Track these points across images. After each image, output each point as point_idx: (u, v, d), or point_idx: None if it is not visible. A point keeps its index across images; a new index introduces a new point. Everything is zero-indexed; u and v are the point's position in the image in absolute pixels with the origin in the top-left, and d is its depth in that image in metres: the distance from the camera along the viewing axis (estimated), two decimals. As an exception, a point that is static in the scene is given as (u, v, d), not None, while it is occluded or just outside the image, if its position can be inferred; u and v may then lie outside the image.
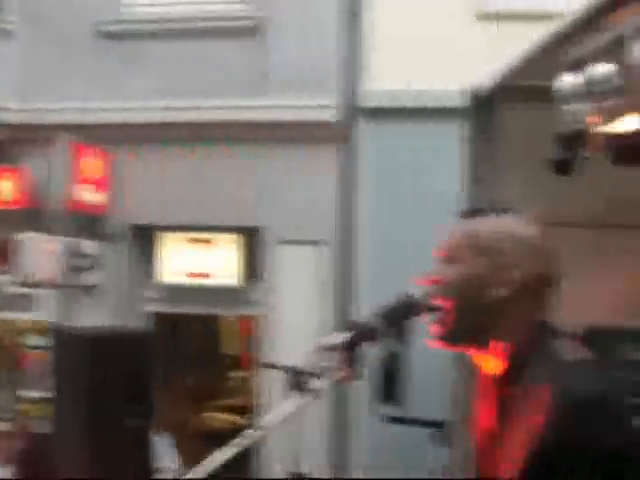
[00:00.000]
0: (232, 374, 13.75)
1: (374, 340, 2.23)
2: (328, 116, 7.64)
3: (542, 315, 2.30)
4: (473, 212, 2.40)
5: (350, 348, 2.19)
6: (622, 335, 5.14)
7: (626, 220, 6.52)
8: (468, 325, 2.26)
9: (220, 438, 2.44)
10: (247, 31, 8.03)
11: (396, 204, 6.78)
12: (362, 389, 6.48)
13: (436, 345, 2.29)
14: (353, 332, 2.21)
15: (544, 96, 4.24)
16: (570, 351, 2.21)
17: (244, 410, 10.35)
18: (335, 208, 7.54)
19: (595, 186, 6.16)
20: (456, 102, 5.38)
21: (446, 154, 6.38)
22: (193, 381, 13.27)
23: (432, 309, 2.25)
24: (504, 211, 2.42)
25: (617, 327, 5.28)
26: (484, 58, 5.29)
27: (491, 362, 2.28)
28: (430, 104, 6.65)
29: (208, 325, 13.71)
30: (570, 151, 4.10)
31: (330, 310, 7.55)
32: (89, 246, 8.23)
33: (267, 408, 6.06)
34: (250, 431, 2.13)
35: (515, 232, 2.31)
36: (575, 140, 4.05)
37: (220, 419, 12.56)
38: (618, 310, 5.85)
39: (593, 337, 5.18)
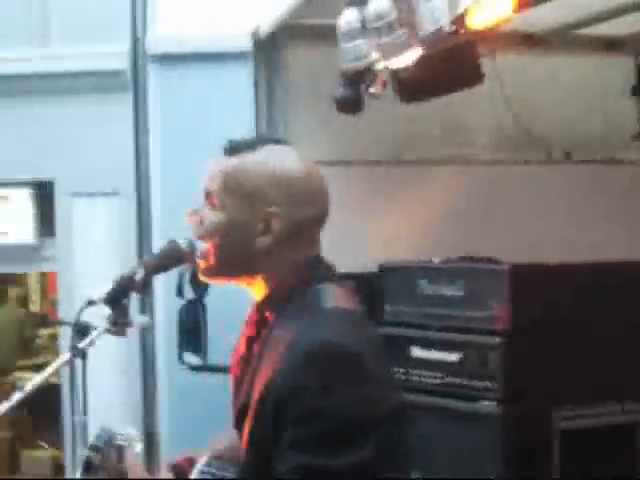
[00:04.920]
0: (41, 332, 13.54)
1: (140, 290, 2.15)
2: (118, 64, 7.42)
3: (313, 250, 2.22)
4: (238, 146, 2.20)
5: (114, 300, 2.11)
6: (417, 270, 5.20)
7: (417, 156, 6.65)
8: (232, 264, 2.18)
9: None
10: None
11: (187, 151, 6.67)
12: (171, 340, 6.37)
13: (203, 278, 2.20)
14: (114, 284, 2.13)
15: (329, 34, 4.21)
16: (333, 298, 2.12)
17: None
18: (130, 158, 7.37)
19: (385, 123, 6.23)
20: (243, 45, 5.31)
21: (237, 98, 6.30)
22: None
23: (196, 256, 2.19)
24: (271, 142, 2.26)
25: (412, 263, 5.35)
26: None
27: (257, 289, 2.20)
28: (218, 49, 6.55)
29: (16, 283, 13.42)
30: (354, 89, 4.10)
31: (132, 263, 7.40)
32: None
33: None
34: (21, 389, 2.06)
35: (276, 171, 2.16)
36: (359, 77, 4.05)
37: (29, 378, 12.31)
38: (413, 245, 5.96)
39: (389, 273, 5.28)
